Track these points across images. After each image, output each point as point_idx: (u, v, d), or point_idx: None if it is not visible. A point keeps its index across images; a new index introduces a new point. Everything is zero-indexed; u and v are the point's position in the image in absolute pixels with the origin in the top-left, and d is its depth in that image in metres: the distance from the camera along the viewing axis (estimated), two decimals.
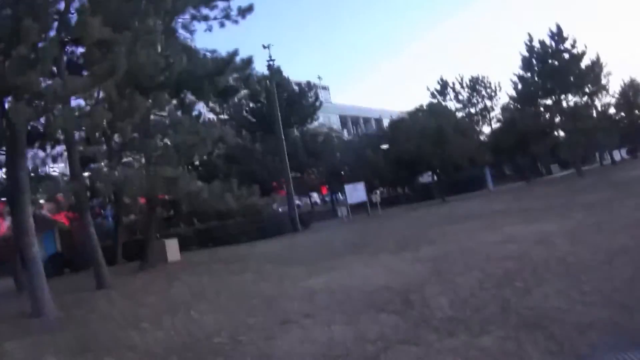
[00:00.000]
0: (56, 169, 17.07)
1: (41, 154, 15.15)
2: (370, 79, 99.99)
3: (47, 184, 11.76)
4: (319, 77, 33.22)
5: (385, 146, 30.88)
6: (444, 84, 35.99)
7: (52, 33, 8.41)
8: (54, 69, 9.91)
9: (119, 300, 9.07)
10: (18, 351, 5.85)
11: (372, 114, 58.24)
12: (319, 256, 10.64)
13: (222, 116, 26.73)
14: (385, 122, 44.73)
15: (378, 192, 30.65)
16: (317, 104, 31.24)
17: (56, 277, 15.96)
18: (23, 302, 9.19)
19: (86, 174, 12.84)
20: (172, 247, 16.69)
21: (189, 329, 5.69)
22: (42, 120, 10.46)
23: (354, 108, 56.97)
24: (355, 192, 24.79)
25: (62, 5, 8.78)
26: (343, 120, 56.12)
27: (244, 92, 20.66)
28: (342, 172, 31.67)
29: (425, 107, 32.47)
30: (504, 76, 79.26)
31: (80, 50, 10.85)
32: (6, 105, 9.53)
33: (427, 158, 27.59)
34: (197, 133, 12.38)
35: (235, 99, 21.31)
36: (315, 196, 42.44)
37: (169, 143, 12.45)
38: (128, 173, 11.72)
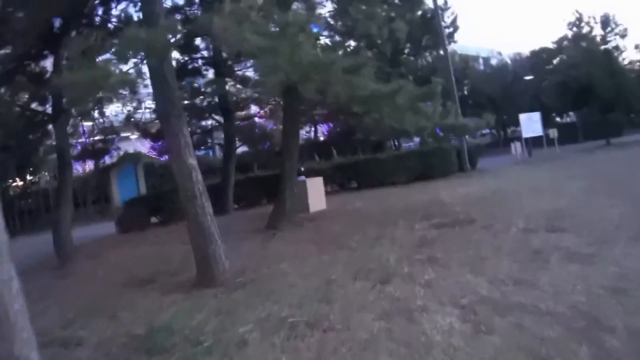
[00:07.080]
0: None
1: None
2: (473, 20, 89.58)
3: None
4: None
5: (529, 77, 29.68)
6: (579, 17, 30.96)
7: None
8: None
9: None
10: None
11: (480, 52, 53.53)
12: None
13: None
14: (493, 62, 41.87)
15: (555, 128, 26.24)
16: (457, 25, 26.46)
17: (131, 233, 11.13)
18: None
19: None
20: (315, 188, 11.32)
21: None
22: None
23: (461, 46, 54.35)
24: (531, 125, 19.39)
25: None
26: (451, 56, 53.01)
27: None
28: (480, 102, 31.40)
29: (570, 38, 28.56)
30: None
31: None
32: None
33: (598, 90, 22.88)
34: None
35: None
36: None
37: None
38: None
